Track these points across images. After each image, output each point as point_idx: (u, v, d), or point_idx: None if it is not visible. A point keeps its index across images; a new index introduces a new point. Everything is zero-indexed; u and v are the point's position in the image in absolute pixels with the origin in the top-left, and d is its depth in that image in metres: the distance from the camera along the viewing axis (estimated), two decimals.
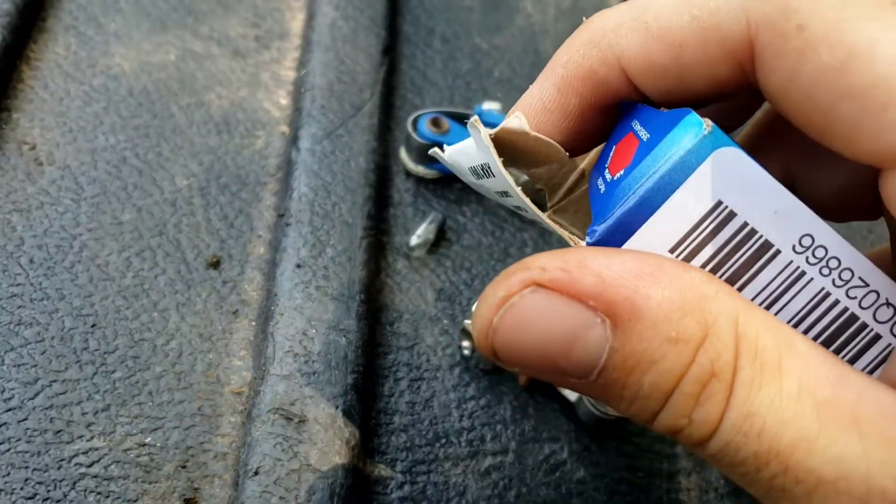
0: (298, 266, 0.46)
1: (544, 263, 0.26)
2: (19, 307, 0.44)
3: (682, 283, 0.25)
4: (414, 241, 0.50)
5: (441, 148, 0.33)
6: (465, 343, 0.47)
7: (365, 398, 0.44)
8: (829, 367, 0.25)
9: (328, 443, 0.40)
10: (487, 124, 0.52)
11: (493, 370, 0.47)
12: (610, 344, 0.25)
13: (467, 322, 0.46)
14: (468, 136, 0.52)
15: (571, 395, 0.46)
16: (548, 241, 0.53)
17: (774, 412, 0.24)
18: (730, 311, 0.25)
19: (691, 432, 0.25)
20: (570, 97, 0.31)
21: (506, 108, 0.58)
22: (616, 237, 0.27)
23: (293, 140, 0.52)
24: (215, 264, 0.48)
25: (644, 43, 0.28)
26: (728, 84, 0.28)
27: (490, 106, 0.54)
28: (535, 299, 0.25)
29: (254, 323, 0.46)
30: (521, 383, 0.47)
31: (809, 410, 0.24)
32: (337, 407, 0.42)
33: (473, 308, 0.47)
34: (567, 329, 0.25)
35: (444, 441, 0.44)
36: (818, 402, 0.24)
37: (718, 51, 0.27)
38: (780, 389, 0.24)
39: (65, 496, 0.39)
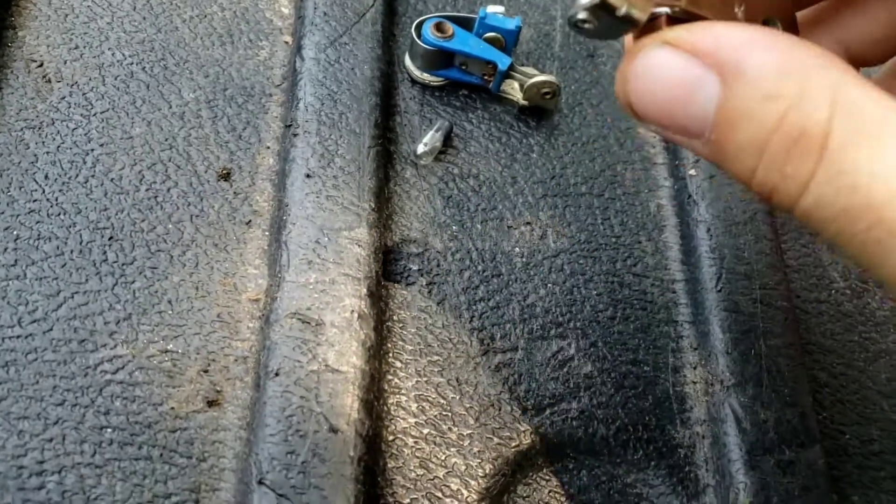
0: (308, 176, 0.47)
1: (675, 29, 0.30)
2: (38, 222, 0.45)
3: (789, 52, 0.27)
4: (421, 148, 0.51)
5: None
6: None
7: (378, 302, 0.45)
8: None
9: (345, 344, 0.42)
10: (492, 28, 0.52)
11: None
12: (717, 99, 0.28)
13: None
14: (471, 39, 0.52)
15: None
16: (554, 145, 0.54)
17: (870, 170, 0.25)
18: (831, 80, 0.27)
19: (785, 188, 0.27)
20: None
21: (510, 12, 0.58)
22: None
23: (297, 49, 0.52)
24: (226, 176, 0.48)
25: None
26: None
27: (494, 9, 0.53)
28: (661, 53, 0.30)
29: (267, 233, 0.47)
30: None
31: None
32: (352, 311, 0.43)
33: None
34: (685, 82, 0.29)
35: (455, 341, 0.46)
36: None
37: None
38: (880, 151, 0.26)
39: (92, 402, 0.41)
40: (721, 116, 0.29)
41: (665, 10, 0.32)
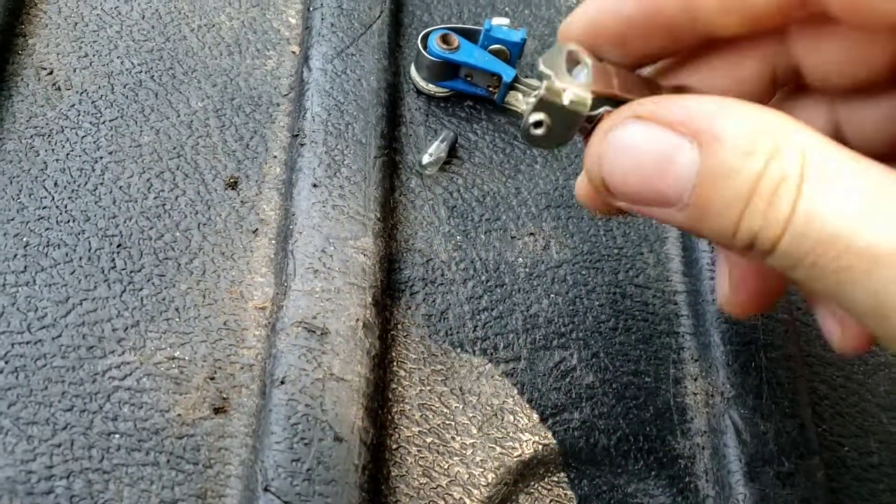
0: (315, 186, 0.48)
1: (642, 102, 0.32)
2: (47, 229, 0.45)
3: (756, 114, 0.30)
4: (426, 159, 0.51)
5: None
6: None
7: (383, 311, 0.46)
8: (887, 174, 0.29)
9: (350, 353, 0.42)
10: (497, 40, 0.53)
11: None
12: (698, 165, 0.30)
13: None
14: (477, 51, 0.52)
15: None
16: (557, 156, 0.54)
17: (836, 205, 0.28)
18: (799, 135, 0.29)
19: (767, 231, 0.29)
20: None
21: (515, 24, 0.58)
22: None
23: (304, 60, 0.53)
24: (233, 185, 0.49)
25: None
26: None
27: (499, 21, 0.54)
28: (633, 128, 0.31)
29: (273, 241, 0.47)
30: None
31: (868, 204, 0.28)
32: (357, 320, 0.43)
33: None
34: (662, 151, 0.31)
35: (459, 350, 0.46)
36: (875, 197, 0.28)
37: None
38: (843, 191, 0.28)
39: (101, 408, 0.41)
40: (703, 177, 0.30)
41: (604, 109, 0.34)
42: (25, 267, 0.44)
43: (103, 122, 0.49)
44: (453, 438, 0.44)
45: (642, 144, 0.31)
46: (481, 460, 0.44)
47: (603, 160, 0.33)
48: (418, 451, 0.43)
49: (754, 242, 0.30)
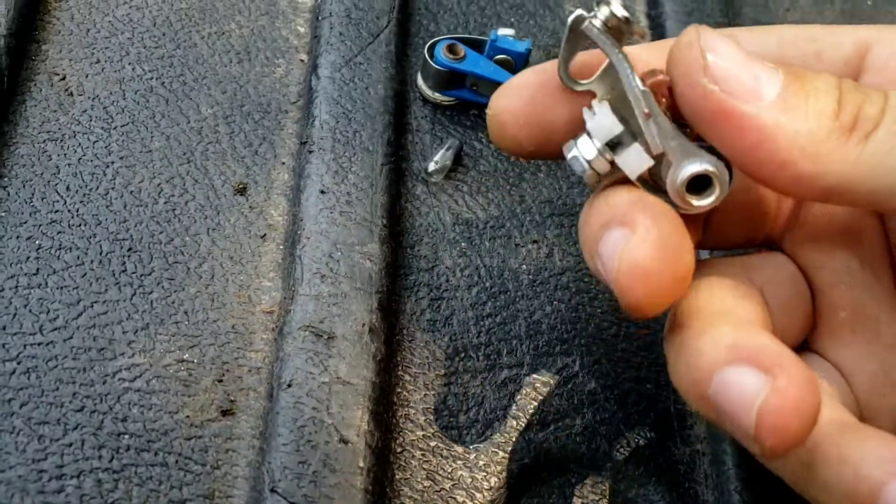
0: (322, 192, 0.48)
1: None
2: (59, 233, 0.46)
3: None
4: (432, 166, 0.52)
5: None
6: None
7: (388, 316, 0.46)
8: None
9: (356, 357, 0.43)
10: (502, 50, 0.54)
11: None
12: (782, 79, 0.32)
13: None
14: (482, 61, 0.53)
15: None
16: (561, 166, 0.55)
17: None
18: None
19: (871, 108, 0.32)
20: None
21: (520, 34, 0.59)
22: None
23: (313, 68, 0.54)
24: (242, 190, 0.50)
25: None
26: None
27: (505, 32, 0.55)
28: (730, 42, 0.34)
29: (281, 246, 0.48)
30: None
31: None
32: (363, 325, 0.44)
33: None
34: (751, 62, 0.33)
35: (462, 355, 0.47)
36: None
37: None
38: None
39: (111, 409, 0.42)
40: (792, 76, 0.33)
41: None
42: (38, 269, 0.45)
43: (115, 128, 0.50)
44: (457, 442, 0.45)
45: (739, 50, 0.33)
46: (484, 464, 0.44)
47: (702, 37, 0.33)
48: (422, 454, 0.44)
49: (858, 118, 0.31)
